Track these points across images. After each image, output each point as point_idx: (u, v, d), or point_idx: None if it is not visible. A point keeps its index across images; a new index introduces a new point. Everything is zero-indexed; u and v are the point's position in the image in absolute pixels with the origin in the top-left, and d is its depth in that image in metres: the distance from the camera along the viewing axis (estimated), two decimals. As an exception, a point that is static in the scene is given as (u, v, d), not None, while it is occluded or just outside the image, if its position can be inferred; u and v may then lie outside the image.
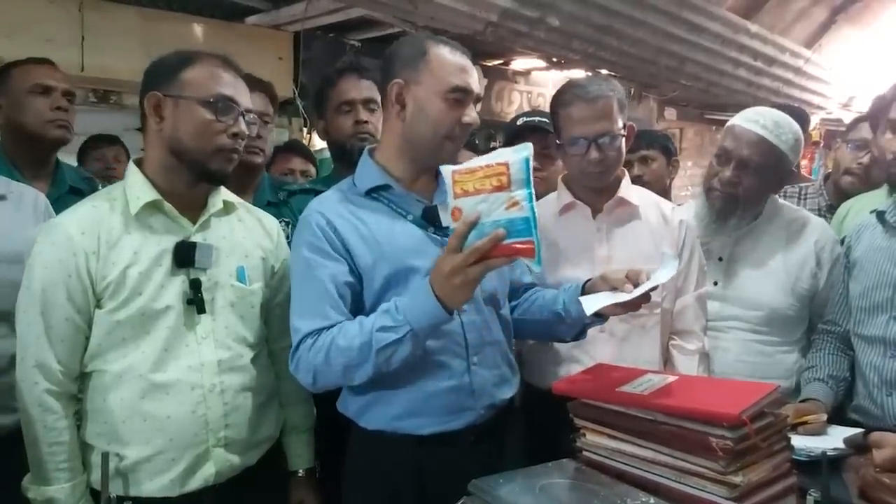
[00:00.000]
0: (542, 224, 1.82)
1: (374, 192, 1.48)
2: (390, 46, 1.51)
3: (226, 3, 4.13)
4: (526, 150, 1.23)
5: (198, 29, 4.13)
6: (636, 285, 1.37)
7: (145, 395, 1.38)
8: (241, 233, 1.56)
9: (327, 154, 2.52)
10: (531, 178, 1.21)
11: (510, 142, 2.27)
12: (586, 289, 1.50)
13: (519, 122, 2.24)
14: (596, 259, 1.76)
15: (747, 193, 1.84)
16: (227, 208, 1.55)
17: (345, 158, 2.12)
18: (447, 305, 1.28)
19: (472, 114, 1.45)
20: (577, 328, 1.55)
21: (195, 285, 1.42)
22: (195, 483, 1.41)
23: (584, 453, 1.32)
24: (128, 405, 1.38)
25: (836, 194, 2.48)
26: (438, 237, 1.44)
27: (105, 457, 1.29)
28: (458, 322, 1.44)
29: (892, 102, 1.69)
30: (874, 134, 1.88)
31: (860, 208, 2.21)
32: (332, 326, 1.37)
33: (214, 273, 1.46)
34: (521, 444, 1.58)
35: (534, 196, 1.21)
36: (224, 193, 1.55)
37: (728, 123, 1.92)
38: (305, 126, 4.60)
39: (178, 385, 1.40)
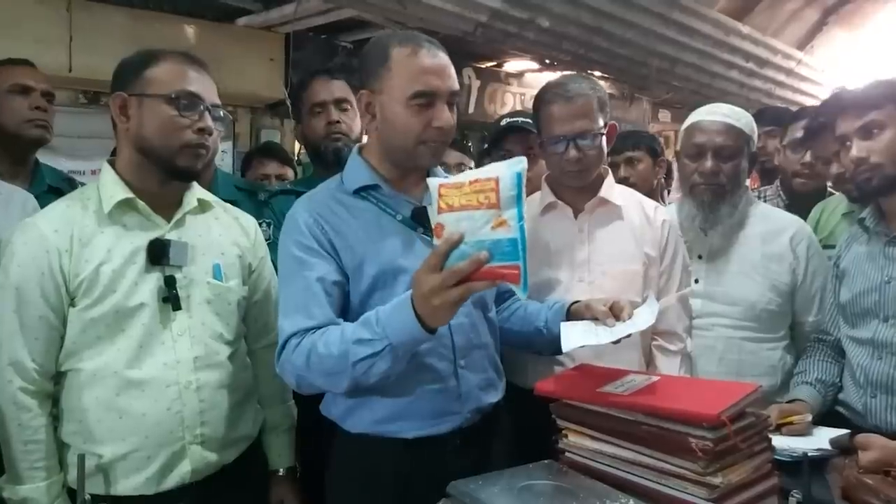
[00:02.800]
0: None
1: (362, 192, 1.46)
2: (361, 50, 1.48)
3: (216, 4, 4.12)
4: (519, 164, 1.14)
5: (188, 30, 4.11)
6: (618, 317, 1.35)
7: (120, 393, 1.38)
8: (216, 230, 1.56)
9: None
10: (523, 195, 1.12)
11: (495, 142, 2.26)
12: (571, 311, 1.48)
13: (503, 123, 2.24)
14: (576, 260, 1.75)
15: (730, 179, 1.89)
16: (203, 206, 1.55)
17: (320, 160, 2.12)
18: (427, 324, 1.21)
19: (443, 116, 1.38)
20: (556, 346, 1.53)
21: (170, 282, 1.42)
22: (171, 481, 1.41)
23: (566, 454, 1.30)
24: (103, 403, 1.37)
25: (793, 197, 2.48)
26: (428, 238, 1.42)
27: (81, 458, 1.28)
28: (445, 325, 1.43)
29: (836, 120, 1.69)
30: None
31: (833, 207, 2.25)
32: (316, 328, 1.35)
33: (190, 270, 1.46)
34: (506, 446, 1.57)
35: (524, 216, 1.12)
36: (199, 192, 1.55)
37: (687, 124, 1.97)
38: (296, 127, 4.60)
39: (153, 382, 1.39)
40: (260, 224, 2.04)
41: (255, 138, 4.67)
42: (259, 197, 2.20)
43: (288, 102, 4.40)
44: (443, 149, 1.46)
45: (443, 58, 1.40)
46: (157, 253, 1.41)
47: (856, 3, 6.48)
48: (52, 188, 2.13)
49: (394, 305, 1.26)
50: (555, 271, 1.74)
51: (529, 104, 6.07)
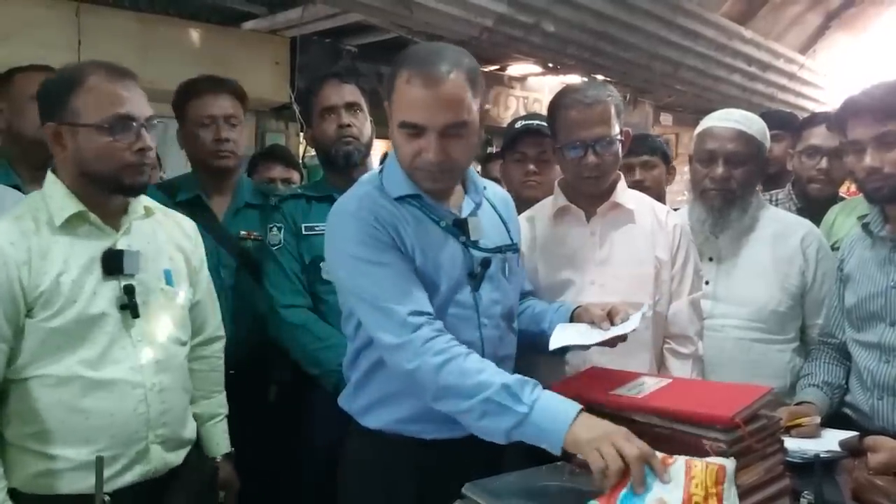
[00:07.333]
0: (537, 229, 1.84)
1: (404, 199, 1.45)
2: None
3: (223, 8, 4.14)
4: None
5: (194, 34, 4.14)
6: (612, 321, 1.39)
7: (87, 395, 1.39)
8: (161, 236, 1.58)
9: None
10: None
11: (509, 144, 2.27)
12: (574, 315, 1.50)
13: (518, 126, 2.24)
14: (588, 263, 1.76)
15: (741, 185, 1.91)
16: (147, 212, 1.57)
17: (331, 164, 2.12)
18: (565, 446, 1.19)
19: (429, 150, 1.34)
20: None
21: (128, 290, 1.44)
22: (129, 479, 1.44)
23: (579, 456, 1.31)
24: (67, 405, 1.38)
25: (808, 201, 2.49)
26: (469, 248, 1.45)
27: (99, 460, 1.28)
28: (478, 335, 1.44)
29: (846, 123, 1.69)
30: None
31: (848, 212, 2.25)
32: (433, 316, 1.33)
33: (144, 278, 1.49)
34: (519, 448, 1.57)
35: None
36: (143, 198, 1.56)
37: (699, 129, 1.98)
38: (302, 130, 4.61)
39: (120, 384, 1.42)
40: (270, 228, 2.05)
41: (261, 142, 4.69)
42: (269, 201, 2.20)
43: (294, 106, 4.44)
44: (443, 175, 1.41)
45: (443, 89, 1.31)
46: (112, 263, 1.44)
47: (858, 7, 6.49)
48: None
49: (559, 398, 1.25)
50: (567, 273, 1.75)
51: (532, 107, 6.06)
